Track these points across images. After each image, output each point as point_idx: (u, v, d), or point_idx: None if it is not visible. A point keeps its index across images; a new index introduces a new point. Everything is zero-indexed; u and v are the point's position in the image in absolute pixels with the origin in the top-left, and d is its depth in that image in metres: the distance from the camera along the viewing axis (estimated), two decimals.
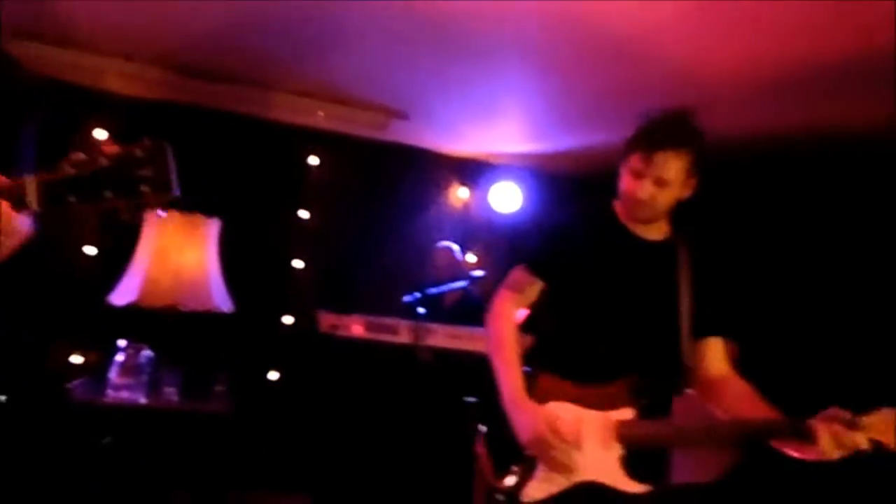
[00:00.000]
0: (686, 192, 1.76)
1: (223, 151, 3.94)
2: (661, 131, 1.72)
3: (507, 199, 4.34)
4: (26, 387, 3.26)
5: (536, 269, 1.83)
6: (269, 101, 3.81)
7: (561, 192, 4.36)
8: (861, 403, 1.53)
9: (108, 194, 1.13)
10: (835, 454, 1.48)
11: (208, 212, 3.48)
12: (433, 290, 3.34)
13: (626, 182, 1.75)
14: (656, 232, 1.82)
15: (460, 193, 4.49)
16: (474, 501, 1.74)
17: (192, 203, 3.52)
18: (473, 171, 4.49)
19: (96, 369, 3.36)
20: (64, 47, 3.40)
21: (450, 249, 4.03)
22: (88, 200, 1.12)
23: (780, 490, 3.26)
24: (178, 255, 3.25)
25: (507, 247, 4.08)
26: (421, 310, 3.34)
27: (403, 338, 3.50)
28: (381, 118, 3.91)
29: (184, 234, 3.31)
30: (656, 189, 1.70)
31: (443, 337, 3.34)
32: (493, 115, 3.89)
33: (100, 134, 3.79)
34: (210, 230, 3.40)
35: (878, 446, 1.46)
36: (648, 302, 1.76)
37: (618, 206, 1.83)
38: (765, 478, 3.24)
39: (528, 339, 1.85)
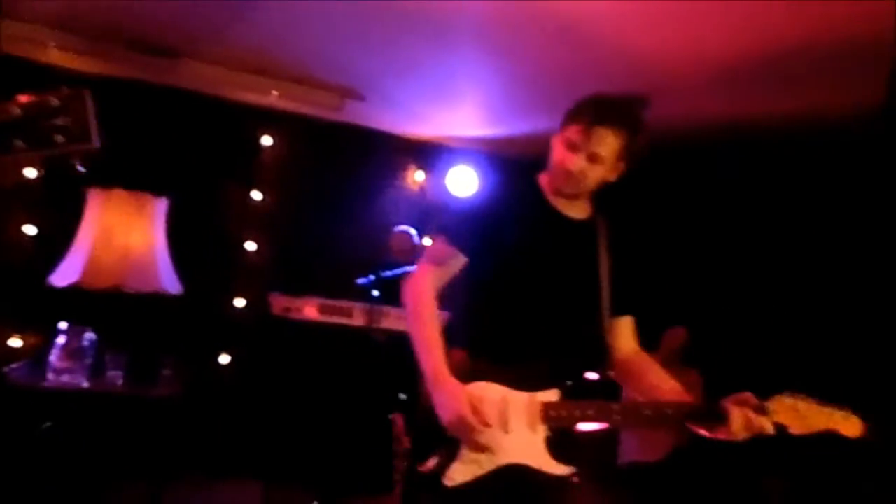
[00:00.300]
0: (613, 175, 1.77)
1: (173, 129, 3.83)
2: (604, 107, 1.72)
3: (464, 182, 4.32)
4: None
5: (457, 242, 1.76)
6: (222, 79, 3.71)
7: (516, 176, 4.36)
8: (767, 387, 1.63)
9: (18, 144, 1.07)
10: (742, 436, 1.56)
11: (156, 190, 3.38)
12: (388, 273, 3.31)
13: (558, 153, 1.74)
14: (579, 210, 1.82)
15: (416, 176, 4.46)
16: (394, 487, 1.69)
17: (139, 181, 3.43)
18: (430, 154, 4.46)
19: (36, 353, 3.24)
20: (2, 19, 3.23)
21: (407, 233, 3.99)
22: None
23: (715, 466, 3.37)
24: (124, 235, 3.15)
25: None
26: (375, 292, 3.32)
27: (358, 321, 3.47)
28: (337, 99, 3.84)
29: (129, 212, 3.21)
30: (588, 164, 1.71)
31: (397, 319, 3.31)
32: (450, 98, 3.86)
33: None
34: (157, 209, 3.30)
35: (780, 429, 1.58)
36: (571, 280, 1.76)
37: (543, 180, 1.82)
38: (703, 456, 3.34)
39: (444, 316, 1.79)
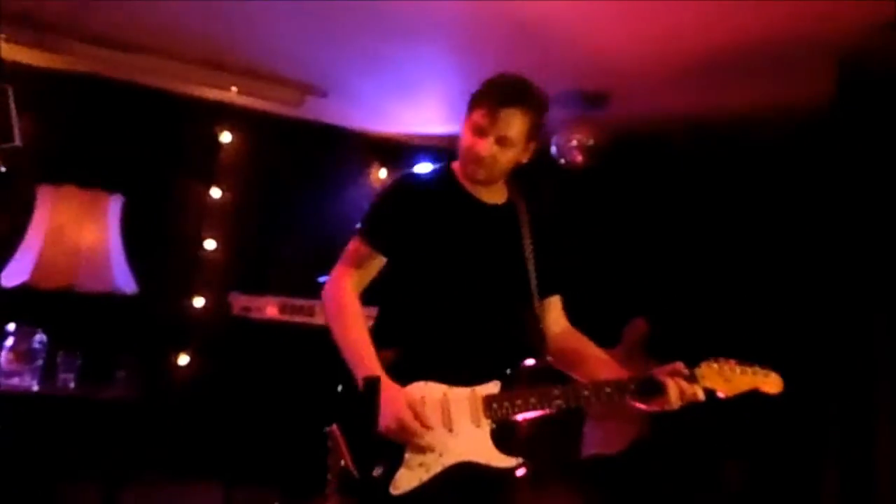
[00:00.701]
0: (525, 157, 1.74)
1: (128, 125, 3.75)
2: (508, 89, 1.68)
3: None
4: None
5: (373, 241, 1.70)
6: (180, 74, 3.63)
7: None
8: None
9: None
10: (677, 405, 1.60)
11: (111, 187, 3.30)
12: None
13: (466, 139, 1.70)
14: (496, 195, 1.79)
15: (379, 174, 4.43)
16: (327, 500, 1.60)
17: (92, 178, 3.34)
18: (393, 151, 4.43)
19: None
20: None
21: None
22: None
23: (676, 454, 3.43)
24: (76, 233, 3.08)
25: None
26: None
27: (319, 319, 3.43)
28: (298, 95, 3.79)
29: (82, 210, 3.13)
30: (497, 148, 1.66)
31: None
32: (414, 94, 3.85)
33: None
34: (111, 207, 3.22)
35: (710, 394, 1.64)
36: (495, 266, 1.72)
37: (456, 168, 1.78)
38: (665, 447, 3.39)
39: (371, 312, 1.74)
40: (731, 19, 2.75)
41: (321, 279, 3.30)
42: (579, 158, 3.52)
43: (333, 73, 3.63)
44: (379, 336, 1.67)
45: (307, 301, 3.51)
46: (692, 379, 1.62)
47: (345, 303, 1.68)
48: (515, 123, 1.66)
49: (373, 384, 1.46)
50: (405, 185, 1.78)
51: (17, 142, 1.05)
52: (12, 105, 1.03)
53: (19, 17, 3.19)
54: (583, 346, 1.82)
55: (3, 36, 3.24)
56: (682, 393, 1.60)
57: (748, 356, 1.71)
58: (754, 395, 1.66)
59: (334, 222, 4.04)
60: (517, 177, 1.83)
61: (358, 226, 1.75)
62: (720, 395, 1.64)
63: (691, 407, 1.62)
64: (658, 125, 3.80)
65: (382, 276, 1.74)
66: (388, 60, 3.42)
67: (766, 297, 3.51)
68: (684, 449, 3.43)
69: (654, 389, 1.62)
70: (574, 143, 3.50)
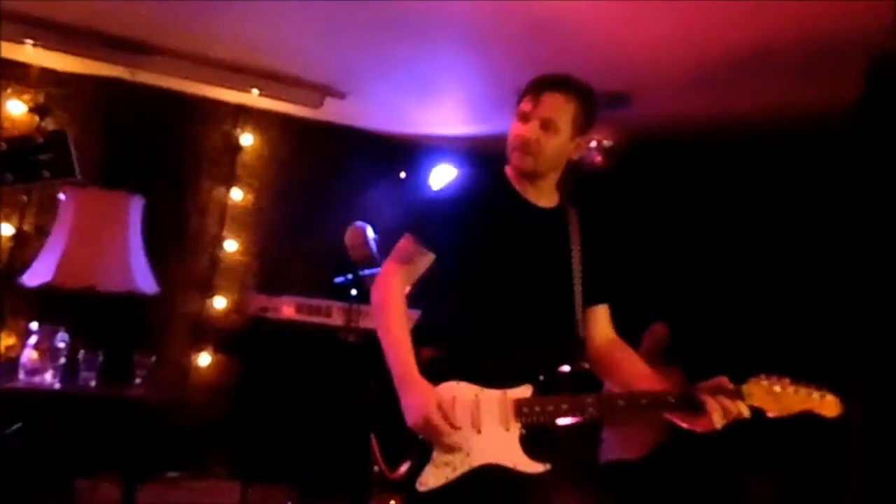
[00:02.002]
0: (575, 152, 1.74)
1: (150, 127, 3.80)
2: (551, 77, 1.71)
3: (439, 182, 4.30)
4: None
5: (423, 238, 1.71)
6: (202, 76, 3.67)
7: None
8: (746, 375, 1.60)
9: (8, 177, 1.18)
10: (720, 424, 1.53)
11: (132, 189, 3.34)
12: (366, 272, 3.28)
13: (513, 128, 1.71)
14: (547, 198, 1.78)
15: (399, 175, 4.43)
16: (369, 493, 1.63)
17: (115, 180, 3.39)
18: (412, 152, 4.43)
19: (11, 354, 3.20)
20: None
21: (362, 228, 3.94)
22: None
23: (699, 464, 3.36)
24: (98, 234, 3.11)
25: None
26: (353, 291, 3.29)
27: (336, 320, 3.44)
28: (317, 96, 3.81)
29: (104, 211, 3.17)
30: (542, 132, 1.66)
31: (373, 320, 3.28)
32: (432, 95, 3.84)
33: (15, 107, 3.60)
34: (132, 208, 3.26)
35: (756, 413, 1.55)
36: (541, 270, 1.71)
37: (509, 171, 1.78)
38: (686, 454, 3.33)
39: (414, 315, 1.75)
40: (755, 19, 2.69)
41: (337, 280, 3.35)
42: (599, 159, 3.49)
43: (352, 74, 3.64)
44: (420, 334, 1.68)
45: (324, 301, 3.52)
46: (737, 395, 1.54)
47: (389, 300, 1.69)
48: (559, 107, 1.66)
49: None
50: (457, 185, 1.78)
51: (78, 176, 1.21)
52: (71, 146, 1.20)
53: (46, 22, 3.25)
54: (626, 358, 1.77)
55: (30, 41, 3.31)
56: (725, 411, 1.52)
57: (770, 363, 1.65)
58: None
59: (352, 223, 4.06)
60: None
61: (406, 223, 1.77)
62: (769, 414, 1.55)
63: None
64: (679, 126, 3.75)
65: (428, 274, 1.75)
66: (407, 62, 3.42)
67: (789, 302, 3.44)
68: (707, 459, 3.36)
69: (693, 406, 1.55)
70: (593, 143, 3.47)
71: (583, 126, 1.70)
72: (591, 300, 1.77)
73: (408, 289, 1.75)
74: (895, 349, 2.58)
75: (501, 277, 1.68)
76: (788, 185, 3.63)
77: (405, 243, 1.74)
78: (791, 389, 1.55)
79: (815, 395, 1.56)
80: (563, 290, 1.73)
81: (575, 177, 1.81)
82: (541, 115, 1.65)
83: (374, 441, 1.65)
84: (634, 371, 1.73)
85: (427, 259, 1.73)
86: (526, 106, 1.68)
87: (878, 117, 2.72)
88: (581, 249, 1.74)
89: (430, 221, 1.73)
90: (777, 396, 1.55)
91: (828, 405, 1.56)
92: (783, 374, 1.58)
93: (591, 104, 1.71)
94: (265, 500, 3.36)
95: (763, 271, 3.64)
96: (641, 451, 3.36)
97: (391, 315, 1.66)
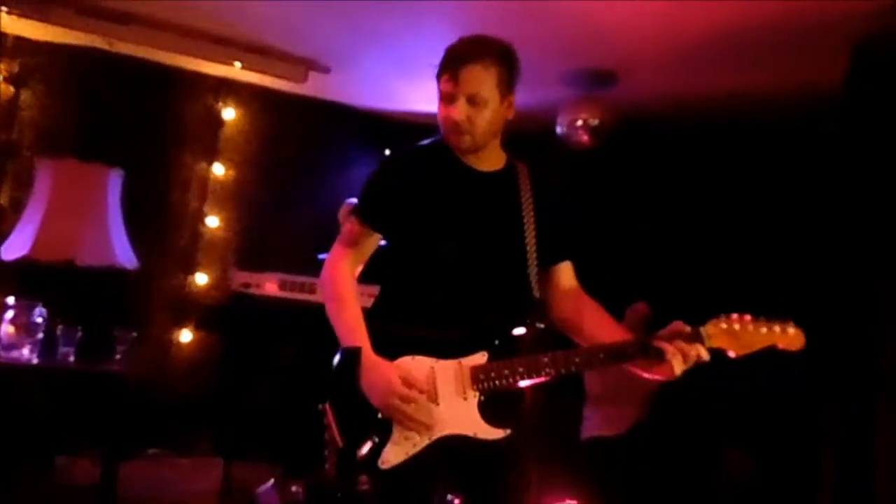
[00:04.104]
0: (508, 112, 1.69)
1: (130, 99, 3.72)
2: (464, 48, 1.65)
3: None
4: None
5: (367, 219, 1.71)
6: (182, 48, 3.59)
7: None
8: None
9: None
10: (681, 370, 1.49)
11: (111, 162, 3.28)
12: None
13: (441, 110, 1.67)
14: (492, 162, 1.74)
15: (383, 152, 4.39)
16: (327, 475, 1.61)
17: (92, 152, 3.32)
18: (396, 129, 4.39)
19: None
20: None
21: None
22: None
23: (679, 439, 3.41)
24: (76, 207, 3.06)
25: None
26: None
27: (319, 296, 3.40)
28: (301, 71, 3.75)
29: (81, 184, 3.12)
30: (471, 108, 1.61)
31: (360, 296, 3.27)
32: (417, 71, 3.76)
33: None
34: (111, 181, 3.20)
35: (717, 354, 1.50)
36: (489, 235, 1.68)
37: (445, 138, 1.73)
38: (667, 430, 3.38)
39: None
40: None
41: (321, 256, 3.30)
42: (585, 138, 3.47)
43: (336, 48, 3.59)
44: (377, 312, 1.68)
45: (307, 278, 3.49)
46: (696, 338, 1.50)
47: (337, 282, 1.69)
48: (481, 79, 1.61)
49: (351, 355, 1.53)
50: (396, 161, 1.76)
51: None
52: None
53: None
54: (587, 311, 1.73)
55: (4, 9, 3.22)
56: (685, 356, 1.49)
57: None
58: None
59: (336, 199, 4.02)
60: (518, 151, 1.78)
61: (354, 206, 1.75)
62: (731, 354, 1.50)
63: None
64: (666, 106, 3.75)
65: (383, 253, 1.73)
66: (391, 36, 3.37)
67: (773, 283, 3.47)
68: (686, 435, 3.41)
69: (653, 354, 1.51)
70: (580, 122, 3.45)
71: (509, 85, 1.66)
72: (550, 259, 1.75)
73: (359, 270, 1.74)
74: (867, 330, 2.63)
75: (447, 247, 1.66)
76: (773, 167, 3.65)
77: (350, 226, 1.74)
78: (751, 326, 1.50)
79: (777, 328, 1.50)
80: (512, 253, 1.69)
81: (569, 155, 1.77)
82: (465, 92, 1.61)
83: (333, 422, 1.59)
84: (598, 325, 1.70)
85: (374, 240, 1.73)
86: (446, 86, 1.63)
87: (863, 100, 2.74)
88: (534, 208, 1.71)
89: (373, 202, 1.73)
90: (737, 335, 1.49)
91: (790, 338, 1.50)
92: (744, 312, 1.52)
93: (510, 61, 1.66)
94: (248, 478, 3.35)
95: (747, 252, 3.67)
96: (622, 428, 3.39)
97: (340, 298, 1.66)
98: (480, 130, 1.65)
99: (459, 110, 1.61)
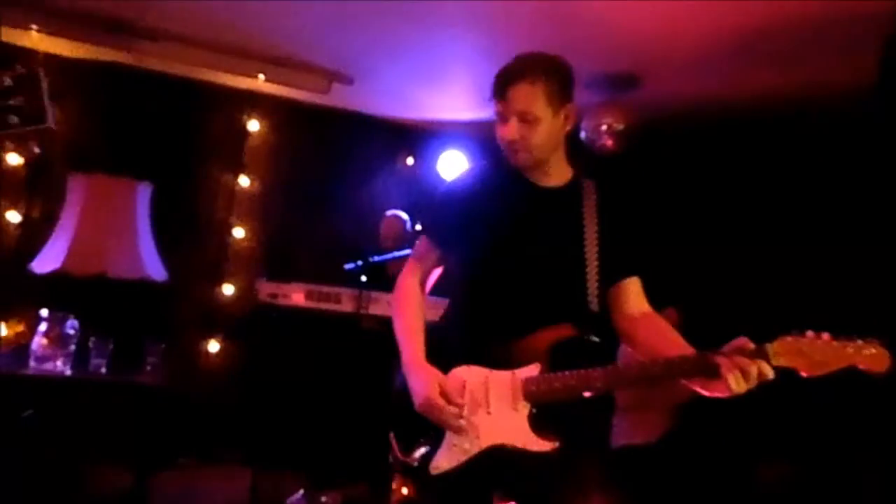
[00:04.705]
0: (565, 124, 1.71)
1: (157, 113, 3.78)
2: (510, 68, 1.67)
3: (455, 167, 4.27)
4: None
5: (431, 237, 1.83)
6: (208, 62, 3.64)
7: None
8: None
9: None
10: (742, 388, 1.41)
11: (140, 176, 3.33)
12: (376, 258, 3.27)
13: (497, 130, 1.70)
14: (556, 177, 1.76)
15: (406, 161, 4.41)
16: (391, 479, 1.69)
17: (121, 166, 3.38)
18: (420, 138, 4.40)
19: (21, 340, 3.20)
20: None
21: (399, 218, 3.95)
22: None
23: (711, 449, 3.34)
24: (106, 221, 3.11)
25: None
26: (363, 278, 3.28)
27: (346, 306, 3.42)
28: (325, 82, 3.79)
29: (112, 198, 3.17)
30: (523, 126, 1.63)
31: (386, 305, 3.27)
32: (440, 80, 3.81)
33: None
34: (140, 194, 3.25)
35: (786, 373, 1.40)
36: (547, 249, 1.70)
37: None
38: (699, 439, 3.31)
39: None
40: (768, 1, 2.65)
41: (347, 266, 3.33)
42: (609, 143, 3.45)
43: (360, 59, 3.61)
44: (444, 324, 1.80)
45: (333, 288, 3.51)
46: (760, 355, 1.41)
47: (400, 294, 1.81)
48: (528, 97, 1.62)
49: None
50: (463, 180, 1.84)
51: (51, 123, 1.06)
52: (44, 88, 1.05)
53: (50, 7, 3.23)
54: (656, 330, 1.70)
55: (34, 27, 3.29)
56: (744, 374, 1.40)
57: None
58: (803, 389, 1.47)
59: (361, 209, 4.05)
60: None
61: (420, 222, 1.87)
62: (803, 374, 1.38)
63: (725, 401, 1.48)
64: (690, 108, 3.70)
65: (450, 266, 1.85)
66: (414, 45, 3.38)
67: (805, 287, 3.40)
68: (717, 446, 3.33)
69: (711, 371, 1.44)
70: (604, 127, 3.43)
71: (561, 98, 1.67)
72: (615, 275, 1.73)
73: (432, 279, 1.88)
74: None
75: (510, 263, 1.70)
76: (804, 168, 3.58)
77: (419, 244, 1.86)
78: (826, 344, 1.37)
79: (859, 347, 1.36)
80: (571, 267, 1.70)
81: (591, 158, 1.78)
82: (515, 111, 1.63)
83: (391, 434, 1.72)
84: (663, 343, 1.65)
85: (440, 254, 1.84)
86: (498, 107, 1.67)
87: (895, 96, 2.68)
88: (598, 223, 1.72)
89: (436, 219, 1.83)
90: (809, 353, 1.37)
91: (873, 359, 1.35)
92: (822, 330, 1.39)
93: (559, 74, 1.67)
94: (276, 488, 3.37)
95: (779, 256, 3.60)
96: (651, 436, 3.34)
97: (402, 309, 1.78)
98: (536, 147, 1.67)
99: (512, 129, 1.65)
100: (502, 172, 1.76)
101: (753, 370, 1.41)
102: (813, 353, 1.38)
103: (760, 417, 3.26)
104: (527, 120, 1.63)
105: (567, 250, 1.71)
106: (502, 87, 1.65)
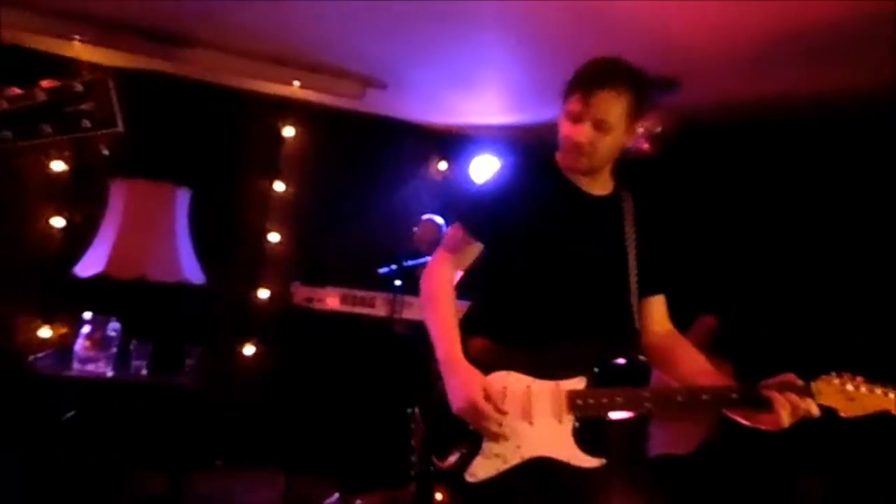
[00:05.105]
0: (628, 140, 1.66)
1: (195, 120, 3.85)
2: (599, 71, 1.61)
3: (488, 171, 4.26)
4: None
5: (471, 229, 1.70)
6: (244, 69, 3.70)
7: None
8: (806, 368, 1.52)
9: (46, 129, 1.09)
10: (788, 423, 1.44)
11: (179, 181, 3.39)
12: (410, 263, 3.27)
13: (564, 127, 1.64)
14: (601, 186, 1.72)
15: (439, 166, 4.42)
16: (414, 482, 1.61)
17: (162, 172, 3.45)
18: (453, 143, 4.41)
19: (64, 342, 3.29)
20: (29, 12, 3.26)
21: (434, 222, 3.95)
22: (26, 136, 1.07)
23: (749, 461, 3.26)
24: (147, 226, 3.17)
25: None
26: (398, 282, 3.29)
27: (380, 310, 3.44)
28: (358, 87, 3.81)
29: (152, 203, 3.23)
30: (596, 133, 1.59)
31: (420, 309, 3.27)
32: (473, 85, 3.80)
33: None
34: (180, 200, 3.31)
35: (827, 412, 1.46)
36: (596, 259, 1.65)
37: (559, 158, 1.72)
38: (736, 450, 3.23)
39: (463, 306, 1.73)
40: (806, 1, 2.59)
41: (382, 270, 3.35)
42: (646, 146, 3.40)
43: (393, 64, 3.62)
44: (470, 323, 1.67)
45: (368, 292, 3.53)
46: (806, 392, 1.46)
47: (436, 288, 1.69)
48: (611, 106, 1.58)
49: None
50: (506, 174, 1.75)
51: (121, 127, 1.11)
52: (113, 93, 1.10)
53: (90, 18, 3.31)
54: (685, 351, 1.70)
55: (77, 37, 3.38)
56: (794, 409, 1.44)
57: (824, 358, 1.57)
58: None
59: (395, 214, 4.07)
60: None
61: (455, 213, 1.76)
62: (843, 415, 1.47)
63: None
64: (729, 111, 3.64)
65: (479, 264, 1.74)
66: (447, 50, 3.38)
67: (844, 293, 3.31)
68: (757, 458, 3.26)
69: (756, 403, 1.47)
70: (642, 130, 3.38)
71: (637, 114, 1.63)
72: (646, 290, 1.71)
73: (457, 277, 1.74)
74: None
75: (550, 265, 1.64)
76: (844, 171, 3.49)
77: (454, 232, 1.74)
78: (865, 388, 1.47)
79: (893, 395, 1.47)
80: (618, 280, 1.67)
81: (627, 163, 1.76)
82: (594, 117, 1.58)
83: (422, 430, 1.62)
84: (693, 365, 1.65)
85: (475, 248, 1.72)
86: (575, 106, 1.60)
87: None
88: (636, 237, 1.69)
89: (480, 211, 1.71)
90: (849, 395, 1.46)
91: None
92: (856, 373, 1.49)
93: (643, 90, 1.63)
94: (309, 491, 3.38)
95: (819, 262, 3.51)
96: (689, 447, 3.28)
97: (438, 302, 1.66)
98: (600, 156, 1.63)
99: (584, 133, 1.60)
100: (548, 172, 1.71)
101: (802, 407, 1.44)
102: (853, 395, 1.46)
103: (801, 429, 3.18)
104: (601, 128, 1.59)
105: (613, 262, 1.67)
106: (588, 88, 1.59)
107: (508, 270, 1.68)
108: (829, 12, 2.63)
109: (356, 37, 3.33)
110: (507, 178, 1.74)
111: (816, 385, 1.47)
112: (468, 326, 1.65)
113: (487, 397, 1.50)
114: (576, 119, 1.61)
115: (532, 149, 4.19)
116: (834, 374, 1.48)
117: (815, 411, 1.45)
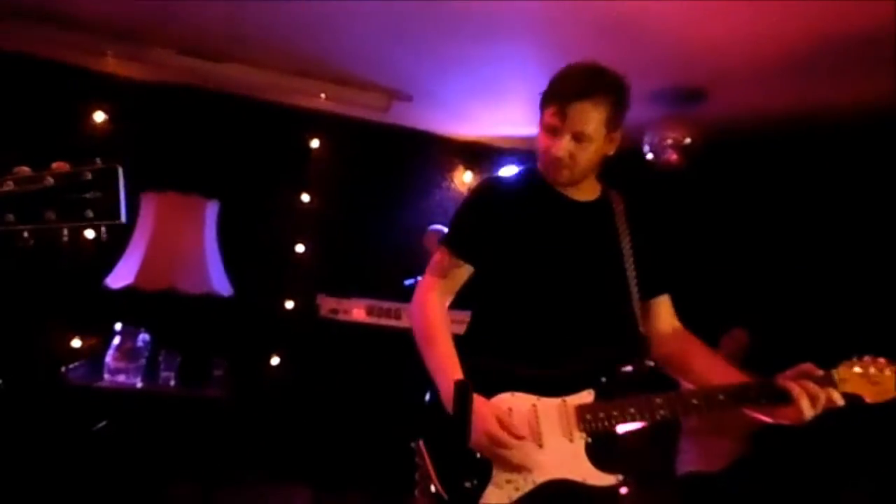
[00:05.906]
0: (610, 148, 1.61)
1: (223, 133, 3.89)
2: (575, 81, 1.55)
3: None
4: (21, 371, 3.23)
5: (458, 251, 1.64)
6: (271, 83, 3.74)
7: None
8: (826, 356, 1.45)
9: (49, 215, 1.08)
10: (810, 415, 1.37)
11: (207, 194, 3.43)
12: None
13: (543, 141, 1.58)
14: (587, 192, 1.66)
15: (464, 177, 4.41)
16: None
17: (191, 184, 3.49)
18: (478, 154, 4.40)
19: (94, 353, 3.33)
20: (63, 27, 3.33)
21: (441, 232, 3.94)
22: (29, 220, 1.07)
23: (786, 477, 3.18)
24: (176, 237, 3.21)
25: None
26: None
27: (406, 322, 3.43)
28: (384, 100, 3.83)
29: (182, 215, 3.26)
30: (575, 145, 1.53)
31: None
32: (498, 97, 3.80)
33: (99, 116, 3.76)
34: (209, 212, 3.34)
35: (852, 400, 1.39)
36: (589, 267, 1.58)
37: (541, 168, 1.65)
38: (771, 466, 3.16)
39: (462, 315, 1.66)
40: (833, 12, 2.55)
41: (407, 282, 3.34)
42: (674, 157, 3.37)
43: (418, 77, 3.64)
44: (468, 344, 1.60)
45: (394, 304, 3.53)
46: (827, 382, 1.38)
47: (427, 314, 1.61)
48: (589, 117, 1.52)
49: (464, 388, 1.36)
50: (488, 191, 1.70)
51: (122, 219, 1.12)
52: (121, 184, 1.10)
53: (124, 33, 3.38)
54: (694, 349, 1.63)
55: (110, 52, 3.45)
56: (814, 399, 1.36)
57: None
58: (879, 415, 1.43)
59: (420, 226, 4.07)
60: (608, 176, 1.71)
61: (443, 236, 1.71)
62: (868, 400, 1.38)
63: (804, 426, 1.38)
64: (757, 122, 3.59)
65: (474, 281, 1.67)
66: (473, 62, 3.39)
67: (878, 306, 3.23)
68: (794, 474, 3.17)
69: (778, 397, 1.39)
70: (669, 141, 3.35)
71: (617, 122, 1.57)
72: (648, 292, 1.65)
73: (449, 300, 1.67)
74: None
75: (548, 280, 1.58)
76: (872, 184, 3.42)
77: (440, 256, 1.67)
78: (889, 371, 1.38)
79: None
80: (616, 286, 1.60)
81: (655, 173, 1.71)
82: (572, 129, 1.53)
83: (428, 461, 1.51)
84: (708, 365, 1.59)
85: (465, 271, 1.66)
86: (552, 119, 1.54)
87: None
88: (631, 239, 1.62)
89: (465, 232, 1.66)
90: (873, 379, 1.38)
91: None
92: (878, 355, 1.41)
93: (621, 98, 1.56)
94: None
95: (851, 274, 3.43)
96: (721, 463, 3.20)
97: (431, 332, 1.58)
98: (581, 168, 1.59)
99: (563, 147, 1.55)
100: (531, 184, 1.65)
101: (823, 396, 1.37)
102: (877, 379, 1.39)
103: (843, 442, 3.10)
104: (580, 140, 1.54)
105: (609, 267, 1.61)
106: (563, 100, 1.53)
107: (502, 287, 1.61)
108: (858, 24, 2.59)
109: (382, 50, 3.36)
110: (486, 193, 1.69)
111: (838, 372, 1.40)
112: (466, 348, 1.57)
113: (504, 426, 1.43)
114: (554, 132, 1.55)
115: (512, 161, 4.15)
116: (855, 358, 1.41)
117: (840, 400, 1.38)
